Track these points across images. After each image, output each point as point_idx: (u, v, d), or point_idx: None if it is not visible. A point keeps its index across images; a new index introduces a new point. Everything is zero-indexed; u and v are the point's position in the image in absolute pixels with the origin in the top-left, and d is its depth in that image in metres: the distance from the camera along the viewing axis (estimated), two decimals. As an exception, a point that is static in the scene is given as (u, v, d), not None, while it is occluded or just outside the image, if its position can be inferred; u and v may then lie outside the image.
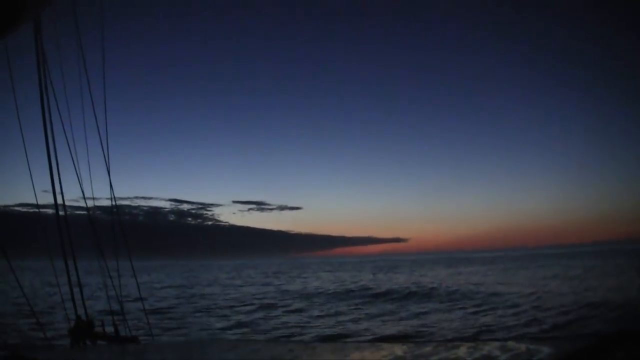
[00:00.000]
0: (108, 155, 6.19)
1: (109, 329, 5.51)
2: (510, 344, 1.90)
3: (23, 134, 5.81)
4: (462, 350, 1.90)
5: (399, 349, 2.17)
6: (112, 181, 6.17)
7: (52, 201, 6.06)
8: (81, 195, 6.07)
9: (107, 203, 6.38)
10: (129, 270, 6.29)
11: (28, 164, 5.85)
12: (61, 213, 5.84)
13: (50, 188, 6.08)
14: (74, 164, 5.93)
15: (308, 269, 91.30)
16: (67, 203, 5.92)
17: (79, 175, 5.96)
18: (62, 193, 5.84)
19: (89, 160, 6.09)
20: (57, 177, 5.82)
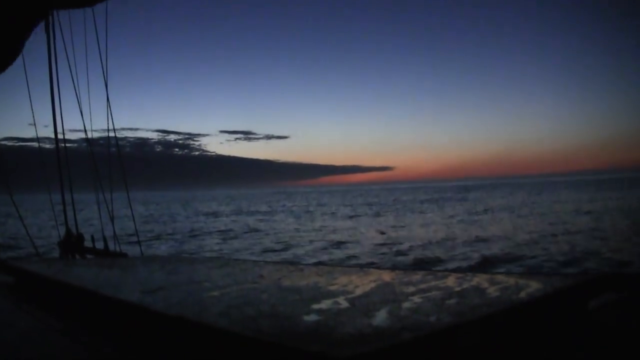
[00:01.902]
0: (106, 86, 6.05)
1: (99, 246, 5.50)
2: (499, 277, 1.89)
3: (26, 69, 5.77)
4: (451, 280, 1.89)
5: (386, 275, 2.17)
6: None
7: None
8: (70, 127, 5.98)
9: (97, 135, 6.29)
10: (121, 200, 6.28)
11: (30, 99, 5.86)
12: (61, 145, 5.79)
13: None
14: (75, 92, 5.84)
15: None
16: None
17: (80, 103, 5.88)
18: (62, 124, 5.79)
19: (89, 90, 6.00)
20: (59, 109, 5.75)
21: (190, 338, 1.42)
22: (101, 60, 6.00)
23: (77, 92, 5.82)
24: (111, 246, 5.47)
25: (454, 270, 2.26)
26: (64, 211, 5.61)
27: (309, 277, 2.26)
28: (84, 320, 1.95)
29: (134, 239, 6.38)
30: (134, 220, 6.21)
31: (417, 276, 2.08)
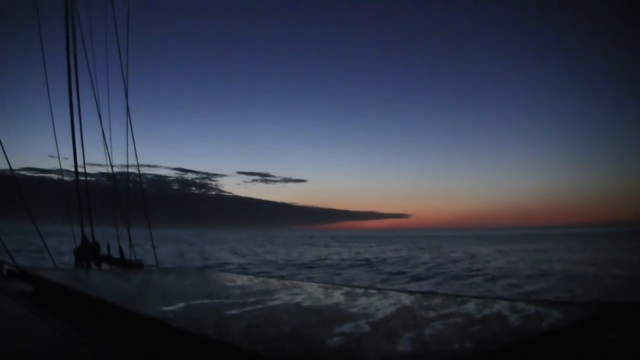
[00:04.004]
0: (131, 124, 6.19)
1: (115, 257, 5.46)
2: (520, 304, 1.89)
3: (51, 102, 5.89)
4: (471, 306, 1.88)
5: (406, 298, 2.16)
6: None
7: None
8: (89, 160, 6.05)
9: (117, 170, 6.37)
10: (141, 237, 6.26)
11: (54, 133, 5.93)
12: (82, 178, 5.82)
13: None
14: (102, 130, 5.96)
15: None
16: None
17: (105, 140, 5.99)
18: (83, 158, 5.86)
19: (110, 127, 6.12)
20: (81, 143, 5.84)
21: (212, 357, 1.39)
22: (126, 95, 6.13)
23: (102, 125, 5.96)
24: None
25: (473, 295, 2.21)
26: (80, 220, 5.62)
27: (330, 297, 2.25)
28: (103, 332, 1.93)
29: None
30: (153, 248, 6.22)
31: (437, 300, 2.08)
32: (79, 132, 5.79)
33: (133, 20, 6.35)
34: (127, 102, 6.21)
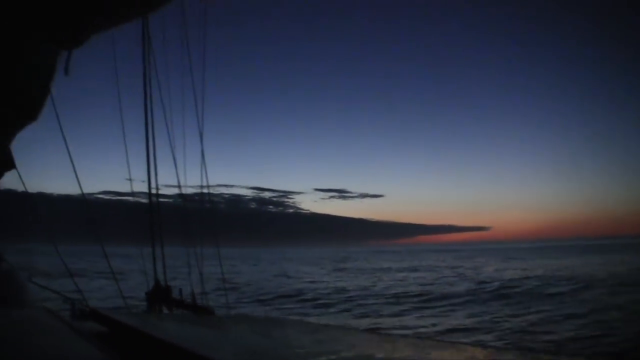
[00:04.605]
0: (204, 157, 6.32)
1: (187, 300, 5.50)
2: None
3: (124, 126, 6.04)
4: None
5: (480, 353, 2.18)
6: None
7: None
8: (164, 182, 6.19)
9: (192, 191, 6.53)
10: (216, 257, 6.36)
11: (127, 156, 6.03)
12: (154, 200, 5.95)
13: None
14: (173, 156, 6.10)
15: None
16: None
17: (176, 163, 6.11)
18: (156, 181, 6.01)
19: (185, 147, 6.27)
20: (154, 167, 5.99)
21: None
22: (198, 120, 6.24)
23: (173, 149, 6.08)
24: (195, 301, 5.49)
25: (549, 351, 2.13)
26: (154, 263, 5.70)
27: (400, 350, 2.23)
28: None
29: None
30: (222, 272, 6.27)
31: (510, 356, 2.09)
32: (153, 158, 5.94)
33: (209, 38, 6.44)
34: (201, 145, 6.30)
